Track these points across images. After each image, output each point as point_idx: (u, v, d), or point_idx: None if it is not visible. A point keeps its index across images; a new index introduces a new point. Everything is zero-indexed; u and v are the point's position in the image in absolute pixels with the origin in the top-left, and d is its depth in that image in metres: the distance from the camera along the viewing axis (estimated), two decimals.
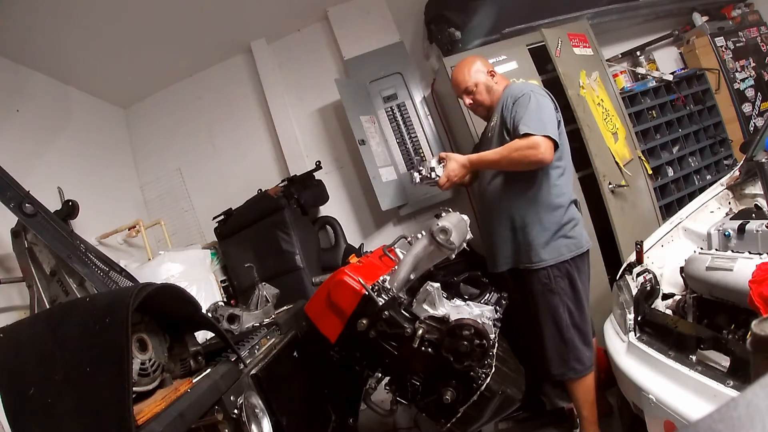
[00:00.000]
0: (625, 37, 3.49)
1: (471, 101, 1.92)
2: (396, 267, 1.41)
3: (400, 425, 2.19)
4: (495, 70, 1.94)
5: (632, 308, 1.53)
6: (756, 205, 1.67)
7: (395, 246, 1.73)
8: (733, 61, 3.39)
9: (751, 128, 3.34)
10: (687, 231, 1.77)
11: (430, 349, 1.25)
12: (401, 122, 3.08)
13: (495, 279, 1.85)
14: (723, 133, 3.30)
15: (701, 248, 1.63)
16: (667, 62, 3.49)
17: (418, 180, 1.85)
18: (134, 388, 0.85)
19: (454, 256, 1.44)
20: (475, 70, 1.88)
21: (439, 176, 1.80)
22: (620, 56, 3.45)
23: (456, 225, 1.44)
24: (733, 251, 1.41)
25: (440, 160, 1.83)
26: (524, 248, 1.76)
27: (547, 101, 1.73)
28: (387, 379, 1.37)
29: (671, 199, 2.98)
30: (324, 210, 3.20)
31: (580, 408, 1.81)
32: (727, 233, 1.48)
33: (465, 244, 1.63)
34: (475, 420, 1.28)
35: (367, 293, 1.27)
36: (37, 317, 1.13)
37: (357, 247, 3.02)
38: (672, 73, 3.27)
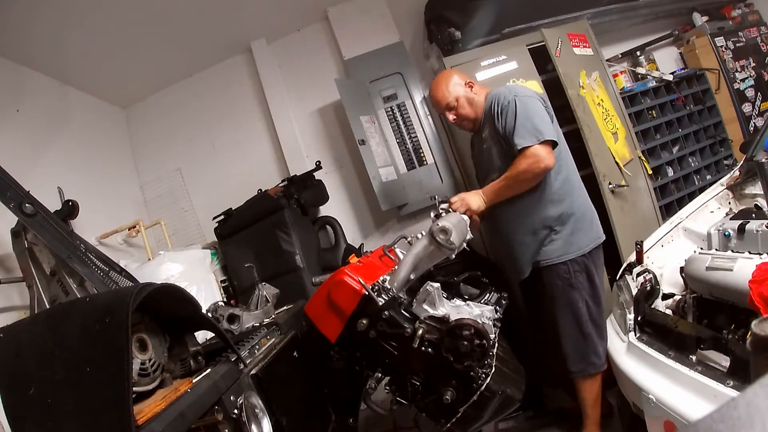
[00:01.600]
0: (625, 37, 3.48)
1: (454, 116, 1.86)
2: (396, 267, 1.40)
3: (400, 425, 2.19)
4: (473, 81, 1.88)
5: (632, 308, 1.53)
6: (756, 205, 1.67)
7: (395, 246, 1.73)
8: (733, 61, 3.39)
9: (751, 128, 3.34)
10: (687, 231, 1.77)
11: (430, 349, 1.25)
12: (401, 122, 3.07)
13: (495, 279, 1.85)
14: (723, 133, 3.30)
15: (701, 248, 1.63)
16: (667, 62, 3.49)
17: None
18: (134, 388, 0.85)
19: (454, 256, 1.44)
20: (453, 84, 1.83)
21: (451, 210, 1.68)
22: (620, 56, 3.45)
23: (456, 225, 1.44)
24: (733, 251, 1.41)
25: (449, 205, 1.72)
26: (546, 245, 1.74)
27: (533, 101, 1.70)
28: (387, 379, 1.37)
29: (671, 199, 2.98)
30: (324, 210, 3.19)
31: (587, 406, 1.80)
32: (727, 233, 1.48)
33: (465, 244, 1.63)
34: (475, 420, 1.28)
35: (367, 293, 1.26)
36: (37, 317, 1.13)
37: (357, 247, 3.02)
38: (672, 73, 3.27)
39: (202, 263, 2.61)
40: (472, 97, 1.83)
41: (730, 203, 1.82)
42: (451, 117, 1.87)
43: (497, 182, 1.70)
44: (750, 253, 1.33)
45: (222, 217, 2.92)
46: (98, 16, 2.42)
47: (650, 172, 2.75)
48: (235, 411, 1.01)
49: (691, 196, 2.62)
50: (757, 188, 1.74)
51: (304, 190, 2.89)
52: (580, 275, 1.73)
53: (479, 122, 1.84)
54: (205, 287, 2.45)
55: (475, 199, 1.69)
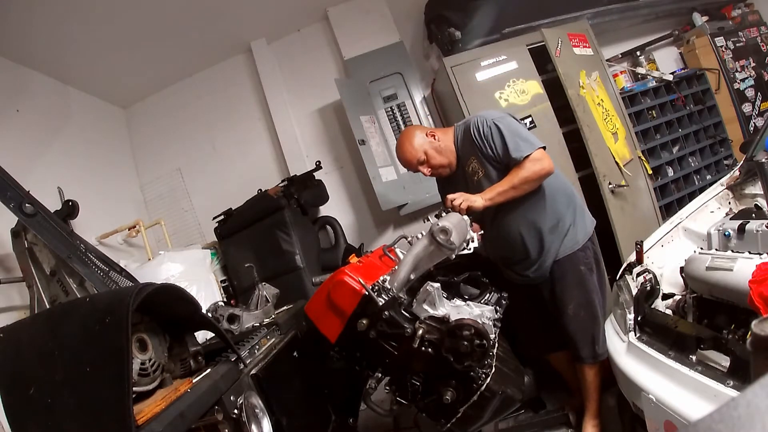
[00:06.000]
0: (625, 37, 3.49)
1: (429, 169, 1.81)
2: (396, 267, 1.40)
3: (400, 425, 2.19)
4: (433, 130, 1.84)
5: (632, 308, 1.53)
6: (756, 205, 1.66)
7: (395, 246, 1.72)
8: (733, 61, 3.39)
9: (751, 128, 3.34)
10: (687, 231, 1.76)
11: (430, 349, 1.25)
12: (401, 122, 3.08)
13: (495, 279, 1.85)
14: (723, 133, 3.30)
15: (701, 248, 1.63)
16: (667, 62, 3.49)
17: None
18: (134, 388, 0.85)
19: (454, 256, 1.44)
20: (417, 140, 1.79)
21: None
22: (620, 56, 3.45)
23: (456, 225, 1.44)
24: (733, 251, 1.41)
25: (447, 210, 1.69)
26: (564, 237, 1.77)
27: (509, 119, 1.73)
28: (387, 379, 1.37)
29: (671, 199, 2.98)
30: (324, 210, 3.20)
31: (593, 393, 1.83)
32: (727, 233, 1.48)
33: (465, 244, 1.63)
34: (475, 420, 1.28)
35: (367, 293, 1.26)
36: (37, 317, 1.14)
37: (357, 247, 3.02)
38: (672, 73, 3.27)
39: (202, 263, 2.62)
40: (438, 145, 1.79)
41: (730, 203, 1.82)
42: (426, 171, 1.82)
43: (499, 185, 1.68)
44: (750, 253, 1.33)
45: (222, 217, 2.92)
46: (98, 15, 2.42)
47: (650, 172, 2.75)
48: (235, 411, 1.01)
49: (691, 196, 2.61)
50: (757, 188, 1.74)
51: (304, 190, 2.90)
52: (592, 259, 1.81)
53: (454, 163, 1.83)
54: (205, 287, 2.45)
55: (476, 197, 1.68)
